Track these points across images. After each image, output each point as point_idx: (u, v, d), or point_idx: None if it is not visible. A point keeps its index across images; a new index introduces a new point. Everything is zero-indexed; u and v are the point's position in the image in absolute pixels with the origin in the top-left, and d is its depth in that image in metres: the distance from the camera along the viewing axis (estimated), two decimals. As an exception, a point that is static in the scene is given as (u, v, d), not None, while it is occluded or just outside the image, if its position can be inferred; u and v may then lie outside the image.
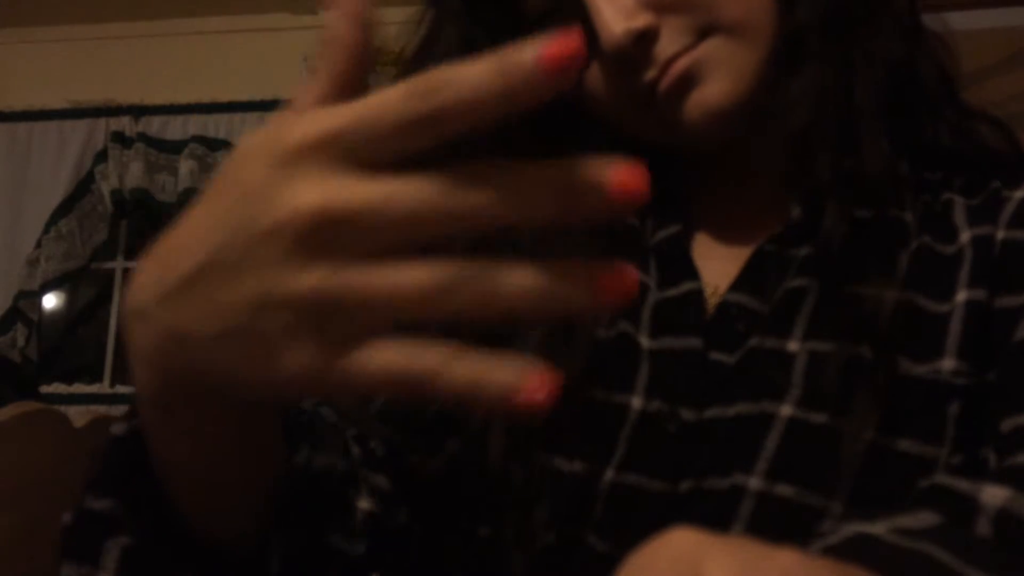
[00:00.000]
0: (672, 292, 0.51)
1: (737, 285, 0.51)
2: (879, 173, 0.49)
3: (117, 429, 0.39)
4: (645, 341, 0.50)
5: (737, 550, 0.21)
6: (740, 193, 0.55)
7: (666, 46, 0.48)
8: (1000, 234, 0.49)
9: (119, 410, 2.75)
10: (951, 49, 0.54)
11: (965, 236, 0.49)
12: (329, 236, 0.25)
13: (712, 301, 0.51)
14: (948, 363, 0.45)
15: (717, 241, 0.54)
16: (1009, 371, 0.45)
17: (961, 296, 0.47)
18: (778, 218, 0.52)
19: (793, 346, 0.47)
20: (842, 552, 0.27)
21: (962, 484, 0.37)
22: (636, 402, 0.48)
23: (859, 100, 0.49)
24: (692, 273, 0.52)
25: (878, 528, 0.31)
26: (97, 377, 2.97)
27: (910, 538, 0.30)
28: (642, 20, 0.48)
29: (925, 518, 0.33)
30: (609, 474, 0.47)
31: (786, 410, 0.45)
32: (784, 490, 0.44)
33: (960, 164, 0.52)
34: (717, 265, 0.52)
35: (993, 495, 0.36)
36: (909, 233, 0.49)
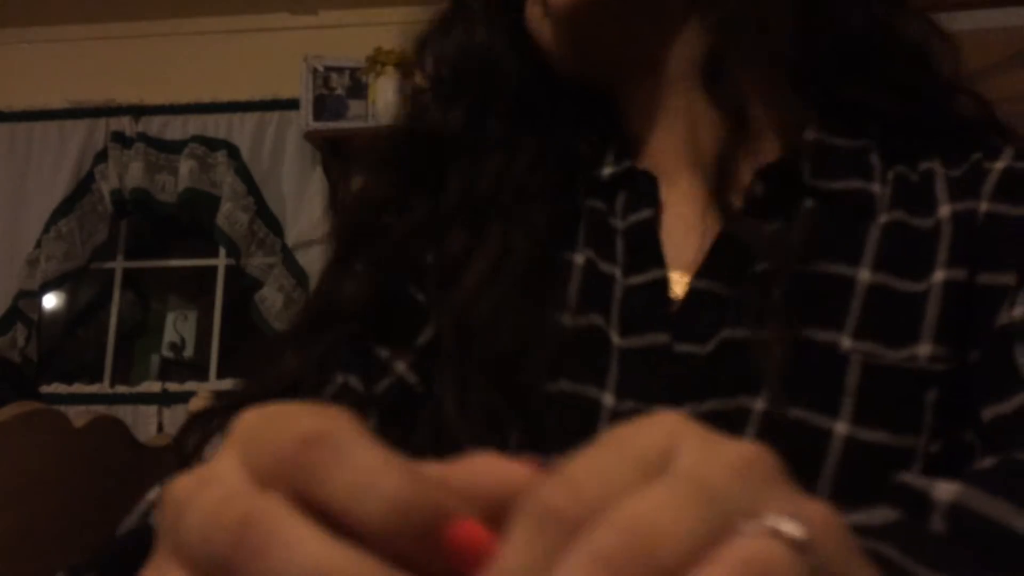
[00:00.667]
0: (638, 279, 0.51)
1: (704, 271, 0.50)
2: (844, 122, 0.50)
3: None
4: (615, 338, 0.49)
5: (713, 436, 0.22)
6: (700, 170, 0.54)
7: None
8: (983, 207, 0.47)
9: (119, 410, 2.75)
10: (934, 27, 0.54)
11: (944, 210, 0.48)
12: None
13: (681, 288, 0.50)
14: (924, 348, 0.44)
15: (685, 223, 0.53)
16: (990, 357, 0.44)
17: (939, 276, 0.46)
18: (741, 194, 0.51)
19: (766, 335, 0.46)
20: None
21: (918, 481, 0.37)
22: (608, 400, 0.48)
23: (772, 44, 0.50)
24: (658, 259, 0.51)
25: None
26: (97, 377, 2.96)
27: (864, 538, 0.30)
28: None
29: (882, 514, 0.33)
30: None
31: (761, 404, 0.45)
32: None
33: (939, 136, 0.51)
34: (685, 249, 0.51)
35: (944, 491, 0.36)
36: (877, 207, 0.48)
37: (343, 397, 0.51)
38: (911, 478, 0.37)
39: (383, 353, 0.53)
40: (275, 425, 0.21)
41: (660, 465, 0.20)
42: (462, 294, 0.51)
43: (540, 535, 0.19)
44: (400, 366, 0.52)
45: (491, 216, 0.54)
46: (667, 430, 0.21)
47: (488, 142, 0.57)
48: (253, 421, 0.22)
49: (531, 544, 0.19)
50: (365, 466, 0.20)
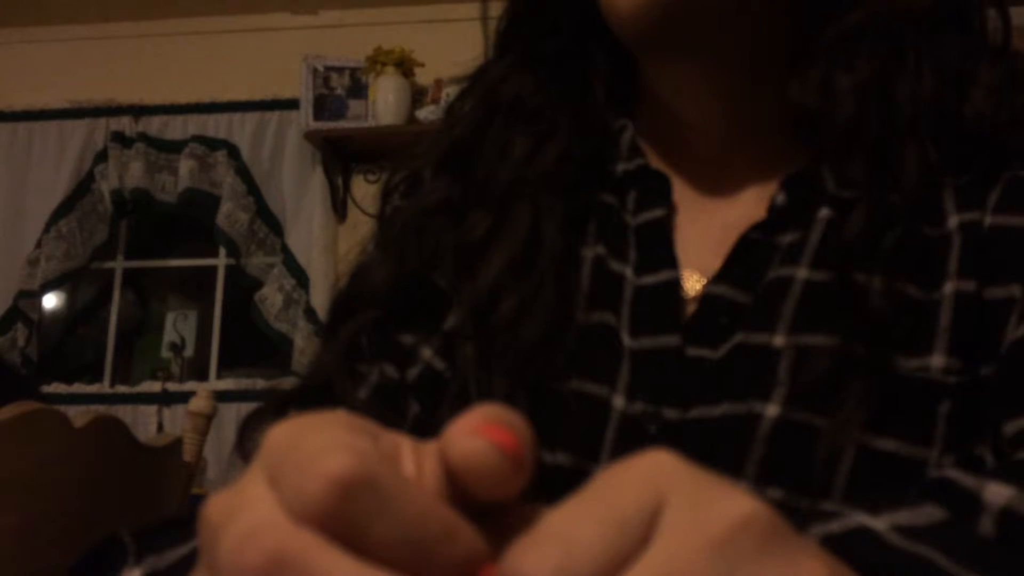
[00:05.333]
0: (650, 279, 0.51)
1: (720, 276, 0.49)
2: (913, 185, 0.47)
3: None
4: (626, 339, 0.49)
5: (703, 488, 0.21)
6: (725, 173, 0.54)
7: None
8: (988, 220, 0.47)
9: (119, 410, 2.75)
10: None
11: (953, 221, 0.47)
12: None
13: (694, 291, 0.50)
14: (938, 360, 0.44)
15: (700, 226, 0.53)
16: (1007, 370, 0.43)
17: (949, 287, 0.45)
18: (760, 201, 0.51)
19: (779, 341, 0.46)
20: (840, 545, 0.27)
21: (967, 480, 0.36)
22: (618, 401, 0.48)
23: (903, 104, 0.47)
24: (671, 261, 0.51)
25: (880, 523, 0.30)
26: (97, 377, 2.97)
27: (910, 539, 0.29)
28: None
29: (928, 513, 0.32)
30: (596, 471, 0.47)
31: (772, 409, 0.44)
32: (773, 493, 0.43)
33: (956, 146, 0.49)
34: (699, 252, 0.51)
35: (996, 493, 0.35)
36: (895, 214, 0.47)
37: (385, 388, 0.52)
38: (960, 475, 0.36)
39: (408, 340, 0.54)
40: (304, 453, 0.21)
41: (642, 527, 0.20)
42: (485, 284, 0.51)
43: None
44: (426, 352, 0.53)
45: (514, 202, 0.53)
46: (655, 484, 0.21)
47: (524, 111, 0.56)
48: (280, 441, 0.22)
49: None
50: (408, 516, 0.20)
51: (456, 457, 0.21)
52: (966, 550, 0.30)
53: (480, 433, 0.21)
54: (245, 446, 0.51)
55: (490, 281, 0.51)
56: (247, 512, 0.21)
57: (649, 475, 0.21)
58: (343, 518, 0.20)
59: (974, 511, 0.35)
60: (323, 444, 0.21)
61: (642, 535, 0.20)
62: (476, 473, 0.21)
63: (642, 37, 0.51)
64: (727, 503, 0.20)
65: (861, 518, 0.31)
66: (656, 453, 0.22)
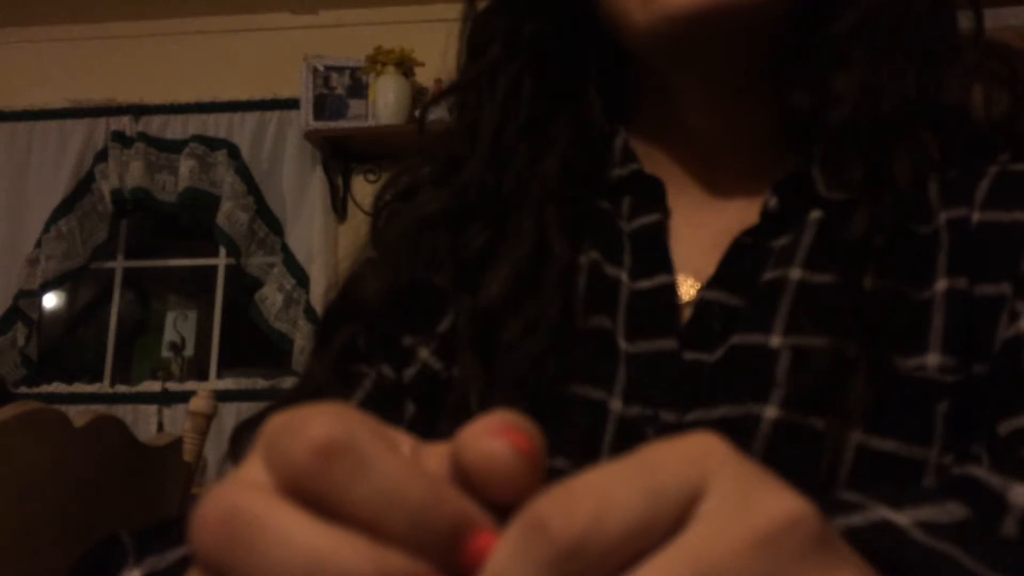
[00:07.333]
0: (645, 284, 0.51)
1: (714, 281, 0.50)
2: (907, 183, 0.47)
3: None
4: (622, 343, 0.49)
5: (752, 480, 0.20)
6: (717, 178, 0.54)
7: None
8: (976, 216, 0.47)
9: (119, 410, 2.75)
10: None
11: (941, 218, 0.47)
12: None
13: (689, 295, 0.50)
14: (933, 359, 0.44)
15: (693, 230, 0.53)
16: (1002, 370, 0.43)
17: (941, 285, 0.45)
18: (752, 205, 0.51)
19: (775, 341, 0.46)
20: (863, 538, 0.27)
21: (993, 479, 0.36)
22: (616, 404, 0.48)
23: (894, 104, 0.48)
24: (667, 266, 0.51)
25: (903, 518, 0.30)
26: (97, 377, 2.96)
27: (933, 535, 0.29)
28: None
29: (952, 511, 0.32)
30: None
31: (771, 411, 0.44)
32: None
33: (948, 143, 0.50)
34: (694, 256, 0.51)
35: (1022, 495, 0.35)
36: (890, 214, 0.47)
37: (382, 388, 0.52)
38: (986, 474, 0.36)
39: (406, 340, 0.53)
40: (294, 430, 0.21)
41: (680, 505, 0.20)
42: (490, 294, 0.51)
43: (527, 546, 0.19)
44: (424, 352, 0.53)
45: (515, 213, 0.53)
46: (702, 466, 0.20)
47: (522, 119, 0.55)
48: (277, 425, 0.22)
49: (517, 555, 0.19)
50: (388, 477, 0.20)
51: (474, 458, 0.21)
52: (989, 550, 0.29)
53: (499, 435, 0.21)
54: (237, 455, 0.51)
55: (495, 292, 0.51)
56: (225, 482, 0.21)
57: (697, 456, 0.20)
58: (324, 480, 0.20)
59: (998, 511, 0.35)
60: (311, 415, 0.21)
61: (678, 514, 0.19)
62: (495, 475, 0.20)
63: (658, 50, 0.51)
64: (776, 500, 0.20)
65: (884, 512, 0.30)
66: (707, 435, 0.21)
